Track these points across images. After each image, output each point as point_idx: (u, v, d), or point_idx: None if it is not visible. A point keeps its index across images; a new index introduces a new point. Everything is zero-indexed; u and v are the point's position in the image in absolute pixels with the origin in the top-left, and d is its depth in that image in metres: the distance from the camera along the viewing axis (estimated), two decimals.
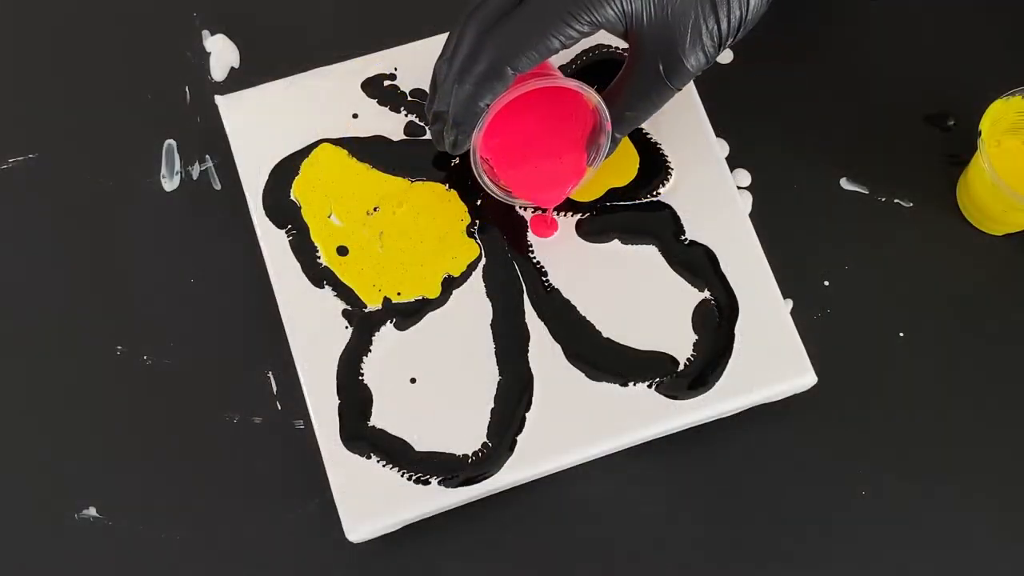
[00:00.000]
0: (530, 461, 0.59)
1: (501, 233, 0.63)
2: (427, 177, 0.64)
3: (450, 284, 0.62)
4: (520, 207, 0.63)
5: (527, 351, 0.61)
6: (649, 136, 0.64)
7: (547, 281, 0.62)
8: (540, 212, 0.63)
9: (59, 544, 0.61)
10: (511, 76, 0.54)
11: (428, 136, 0.64)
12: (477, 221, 0.63)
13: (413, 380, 0.61)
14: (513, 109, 0.56)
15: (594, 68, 0.65)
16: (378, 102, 0.65)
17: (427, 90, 0.65)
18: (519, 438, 0.60)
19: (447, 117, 0.57)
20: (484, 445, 0.59)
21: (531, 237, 0.63)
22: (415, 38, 0.66)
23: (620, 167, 0.63)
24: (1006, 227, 0.66)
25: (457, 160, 0.64)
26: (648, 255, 0.63)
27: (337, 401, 0.60)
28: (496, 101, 0.55)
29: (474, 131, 0.56)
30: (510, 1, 0.55)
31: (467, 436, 0.60)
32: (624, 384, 0.61)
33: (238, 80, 0.68)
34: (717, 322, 0.62)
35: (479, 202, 0.64)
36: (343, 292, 0.62)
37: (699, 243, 0.63)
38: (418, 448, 0.59)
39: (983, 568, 0.61)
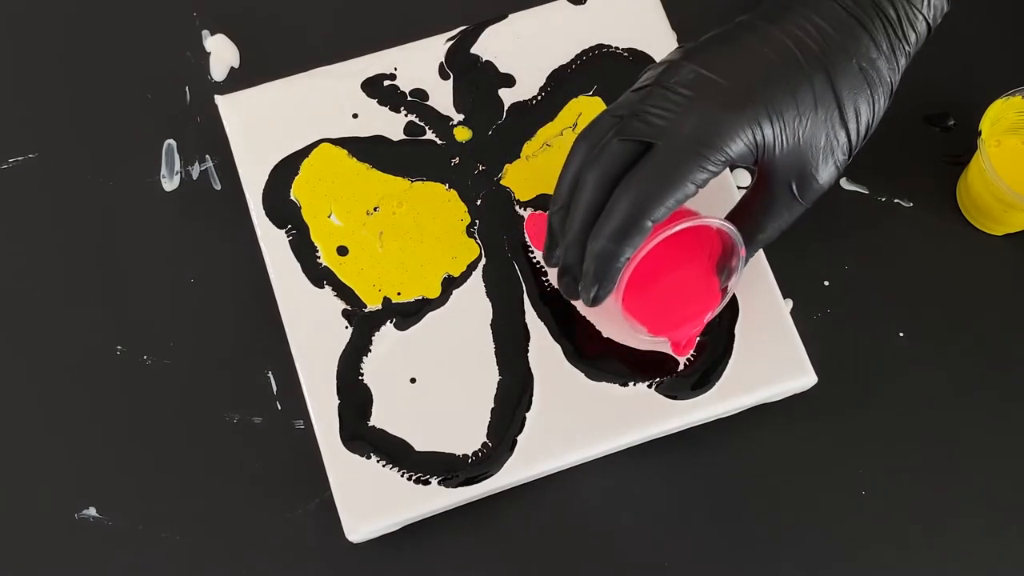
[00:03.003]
0: (530, 461, 0.59)
1: (501, 233, 0.63)
2: (427, 177, 0.64)
3: (450, 284, 0.62)
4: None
5: (527, 351, 0.61)
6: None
7: (547, 281, 0.62)
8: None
9: (59, 544, 0.61)
10: (650, 228, 0.52)
11: (428, 136, 0.65)
12: (477, 221, 0.63)
13: (413, 380, 0.61)
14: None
15: (594, 63, 0.65)
16: (378, 102, 0.65)
17: (427, 90, 0.65)
18: (519, 438, 0.60)
19: (579, 271, 0.55)
20: (484, 445, 0.59)
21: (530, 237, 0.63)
22: (415, 38, 0.66)
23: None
24: (1006, 227, 0.66)
25: (457, 160, 0.64)
26: None
27: (337, 401, 0.60)
28: (636, 253, 0.54)
29: (615, 285, 0.55)
30: (631, 149, 0.53)
31: (467, 436, 0.60)
32: (624, 384, 0.61)
33: (238, 80, 0.68)
34: (717, 322, 0.62)
35: (479, 202, 0.64)
36: (343, 292, 0.62)
37: None
38: (418, 448, 0.59)
39: (983, 567, 0.61)
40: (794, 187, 0.54)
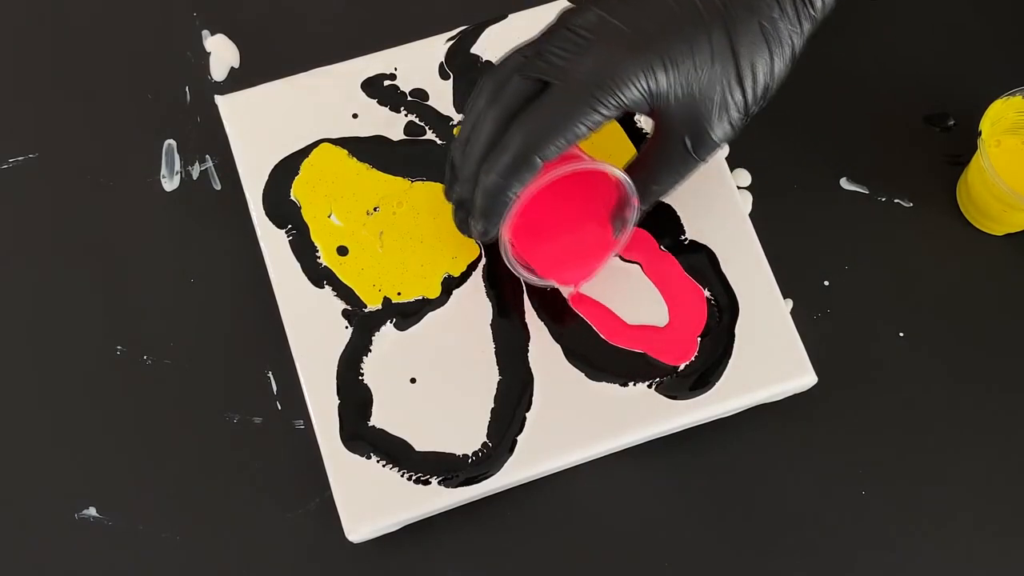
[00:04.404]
0: (530, 461, 0.59)
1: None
2: (427, 177, 0.64)
3: (450, 284, 0.62)
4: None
5: (527, 351, 0.61)
6: (649, 136, 0.64)
7: None
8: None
9: (59, 544, 0.61)
10: (540, 165, 0.53)
11: (428, 136, 0.65)
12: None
13: (413, 380, 0.61)
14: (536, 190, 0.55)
15: None
16: (378, 102, 0.65)
17: (427, 90, 0.65)
18: (519, 438, 0.60)
19: (472, 206, 0.56)
20: (484, 445, 0.59)
21: None
22: (415, 38, 0.66)
23: (621, 168, 0.63)
24: (1006, 227, 0.66)
25: None
26: None
27: (337, 401, 0.60)
28: (524, 190, 0.54)
29: (502, 220, 0.55)
30: (530, 87, 0.54)
31: (467, 436, 0.60)
32: (624, 384, 0.61)
33: (238, 80, 0.68)
34: (717, 322, 0.62)
35: None
36: (343, 292, 0.62)
37: (699, 243, 0.63)
38: (418, 448, 0.59)
39: (982, 568, 0.61)
40: (688, 141, 0.55)
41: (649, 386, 0.61)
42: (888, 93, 0.68)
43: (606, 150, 0.62)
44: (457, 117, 0.65)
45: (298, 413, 0.62)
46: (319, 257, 0.62)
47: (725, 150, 0.66)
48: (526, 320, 0.62)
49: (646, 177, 0.57)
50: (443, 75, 0.66)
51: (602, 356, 0.61)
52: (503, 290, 0.62)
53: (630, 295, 0.62)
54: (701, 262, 0.63)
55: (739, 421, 0.62)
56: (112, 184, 0.66)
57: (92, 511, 0.61)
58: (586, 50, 0.53)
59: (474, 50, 0.66)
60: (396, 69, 0.66)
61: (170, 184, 0.66)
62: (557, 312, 0.62)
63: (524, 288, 0.62)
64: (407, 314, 0.62)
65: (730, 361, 0.61)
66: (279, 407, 0.63)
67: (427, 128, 0.65)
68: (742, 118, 0.55)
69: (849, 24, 0.70)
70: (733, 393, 0.61)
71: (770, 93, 0.55)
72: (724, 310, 0.62)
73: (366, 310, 0.62)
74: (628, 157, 0.58)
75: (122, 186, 0.66)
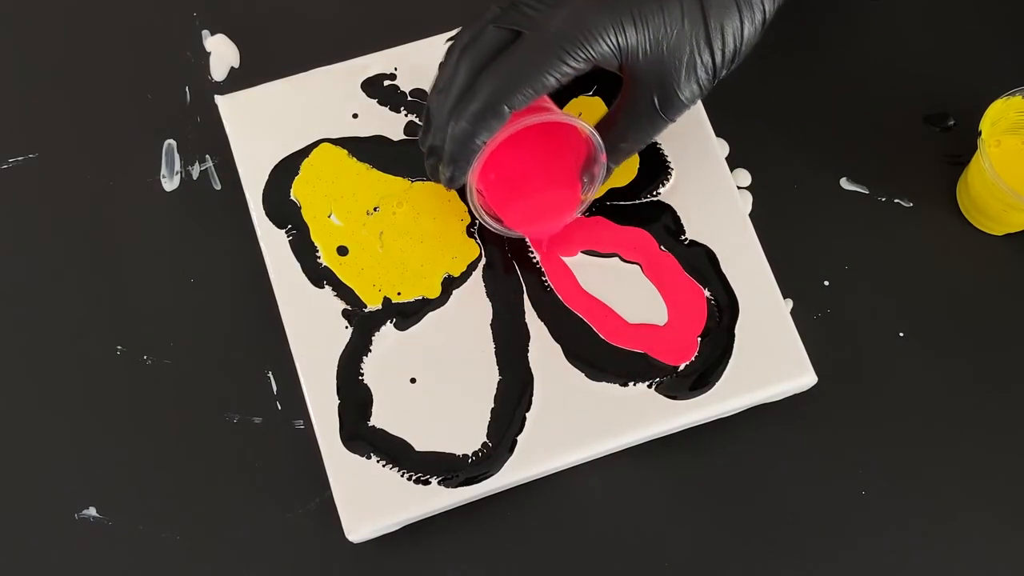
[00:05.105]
0: (530, 461, 0.59)
1: None
2: (427, 177, 0.64)
3: (450, 284, 0.62)
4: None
5: (527, 351, 0.61)
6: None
7: (547, 281, 0.62)
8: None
9: (59, 544, 0.61)
10: (507, 114, 0.54)
11: None
12: (477, 221, 0.63)
13: (413, 380, 0.61)
14: (507, 142, 0.56)
15: None
16: (378, 102, 0.65)
17: (427, 90, 0.65)
18: (519, 438, 0.60)
19: (442, 152, 0.57)
20: (484, 445, 0.59)
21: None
22: (415, 38, 0.66)
23: (620, 167, 0.63)
24: (1006, 227, 0.66)
25: None
26: None
27: (337, 401, 0.60)
28: (492, 138, 0.55)
29: (470, 168, 0.56)
30: (504, 37, 0.55)
31: (467, 436, 0.60)
32: (624, 384, 0.61)
33: (238, 80, 0.68)
34: (717, 322, 0.62)
35: None
36: (343, 292, 0.62)
37: (699, 243, 0.63)
38: (418, 448, 0.59)
39: (982, 568, 0.61)
40: (656, 100, 0.56)
41: (649, 386, 0.61)
42: (888, 93, 0.68)
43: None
44: None
45: (298, 413, 0.62)
46: (319, 257, 0.62)
47: (725, 149, 0.66)
48: (526, 320, 0.62)
49: (615, 135, 0.58)
50: None
51: (602, 356, 0.61)
52: (503, 290, 0.62)
53: (630, 295, 0.62)
54: (701, 262, 0.63)
55: (739, 421, 0.62)
56: (112, 184, 0.66)
57: (92, 511, 0.61)
58: (559, 3, 0.54)
59: None
60: (396, 69, 0.66)
61: (170, 184, 0.66)
62: (556, 303, 0.62)
63: (524, 288, 0.62)
64: (407, 314, 0.62)
65: (730, 361, 0.61)
66: (279, 407, 0.63)
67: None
68: (710, 80, 0.56)
69: (849, 24, 0.70)
70: (733, 393, 0.61)
71: (740, 58, 0.56)
72: (724, 310, 0.62)
73: (366, 310, 0.62)
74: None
75: (122, 186, 0.66)
